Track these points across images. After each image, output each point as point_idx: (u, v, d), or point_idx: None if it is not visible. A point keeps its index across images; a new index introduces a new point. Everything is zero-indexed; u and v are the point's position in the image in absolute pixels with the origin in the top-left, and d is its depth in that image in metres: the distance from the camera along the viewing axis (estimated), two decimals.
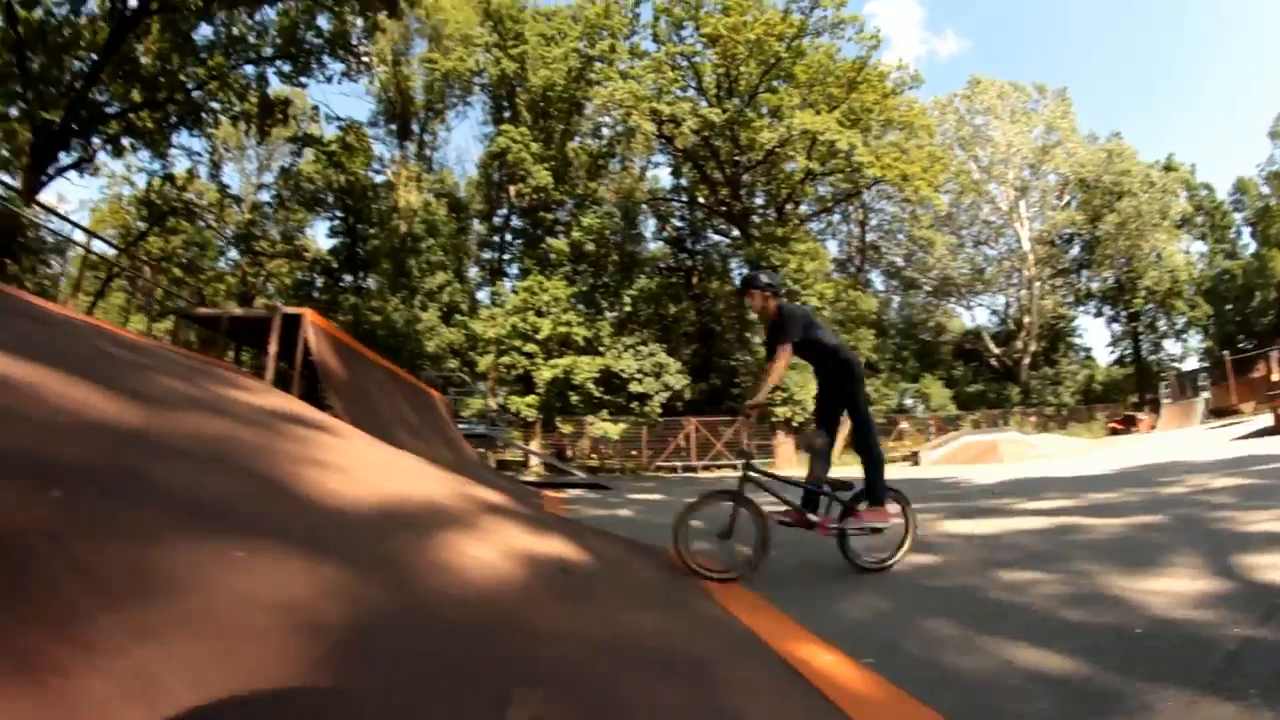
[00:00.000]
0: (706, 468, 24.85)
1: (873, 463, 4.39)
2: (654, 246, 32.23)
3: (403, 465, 4.43)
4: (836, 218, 35.63)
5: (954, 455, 22.78)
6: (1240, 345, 40.09)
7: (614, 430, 24.01)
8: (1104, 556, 4.14)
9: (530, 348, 24.04)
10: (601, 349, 24.03)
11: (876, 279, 39.46)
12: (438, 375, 23.70)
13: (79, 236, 24.83)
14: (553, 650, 2.01)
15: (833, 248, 35.88)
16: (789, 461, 24.85)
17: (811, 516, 4.34)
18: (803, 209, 30.03)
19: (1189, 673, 2.31)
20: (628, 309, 25.67)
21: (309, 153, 29.41)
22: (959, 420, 30.71)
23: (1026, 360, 37.73)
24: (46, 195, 21.55)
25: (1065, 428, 32.51)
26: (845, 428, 4.74)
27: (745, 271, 6.47)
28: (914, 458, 23.02)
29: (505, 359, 24.32)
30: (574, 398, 23.52)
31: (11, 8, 20.04)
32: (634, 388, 23.64)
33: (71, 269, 30.10)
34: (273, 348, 8.82)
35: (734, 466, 24.38)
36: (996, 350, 38.03)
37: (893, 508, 4.39)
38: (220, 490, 2.33)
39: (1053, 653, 2.64)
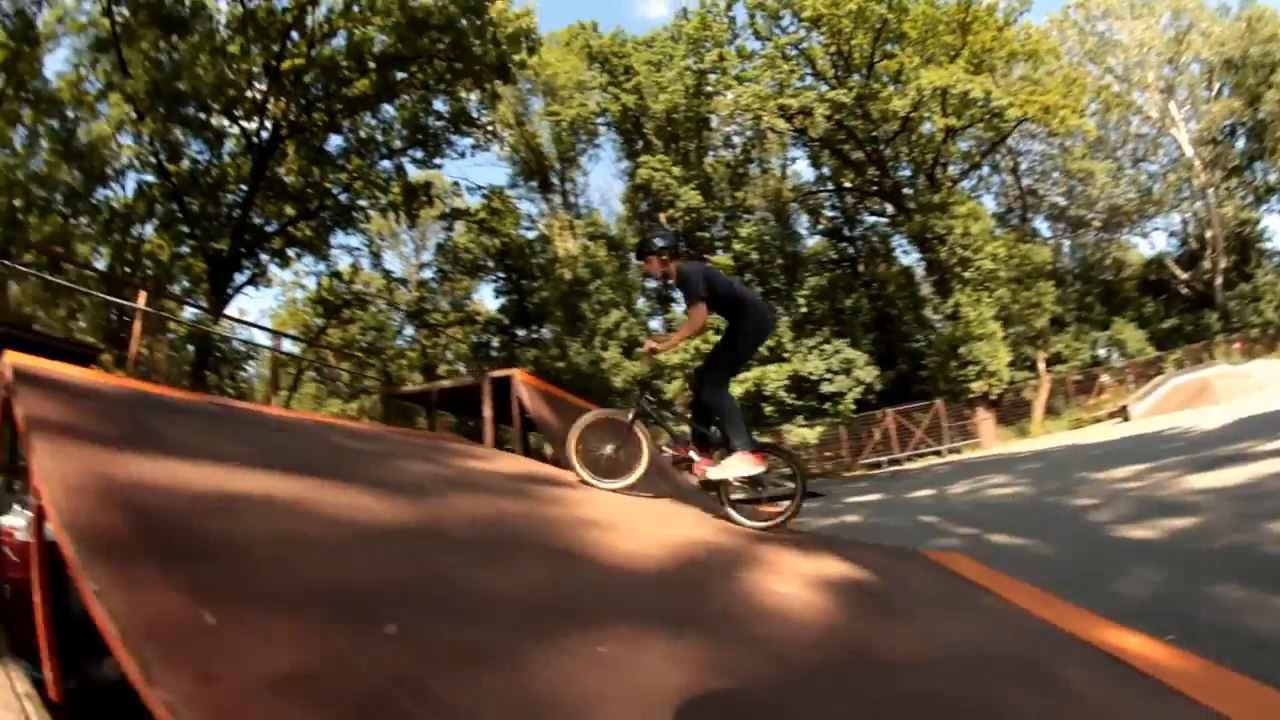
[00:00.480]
0: (910, 459, 24.45)
1: (723, 411, 4.44)
2: (812, 242, 32.09)
3: (650, 508, 4.58)
4: (986, 170, 34.31)
5: (1165, 402, 21.66)
6: None
7: (811, 434, 24.30)
8: None
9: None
10: (785, 355, 24.29)
11: (1041, 225, 37.59)
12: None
13: (266, 339, 27.76)
14: (919, 679, 2.01)
15: (989, 202, 34.55)
16: (992, 439, 24.44)
17: (693, 454, 4.51)
18: (951, 170, 29.17)
19: None
20: (802, 309, 25.82)
21: (460, 225, 31.31)
22: (1160, 362, 29.00)
23: (1219, 280, 34.85)
24: (229, 311, 24.18)
25: (1275, 348, 30.18)
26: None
27: (643, 237, 5.24)
28: (1122, 413, 22.17)
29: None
30: (767, 408, 23.94)
31: (162, 164, 22.52)
32: (825, 388, 23.84)
33: (264, 370, 33.37)
34: (487, 412, 9.00)
35: (937, 454, 24.23)
36: (1184, 276, 35.62)
37: (752, 457, 4.33)
38: (535, 579, 2.33)
39: None
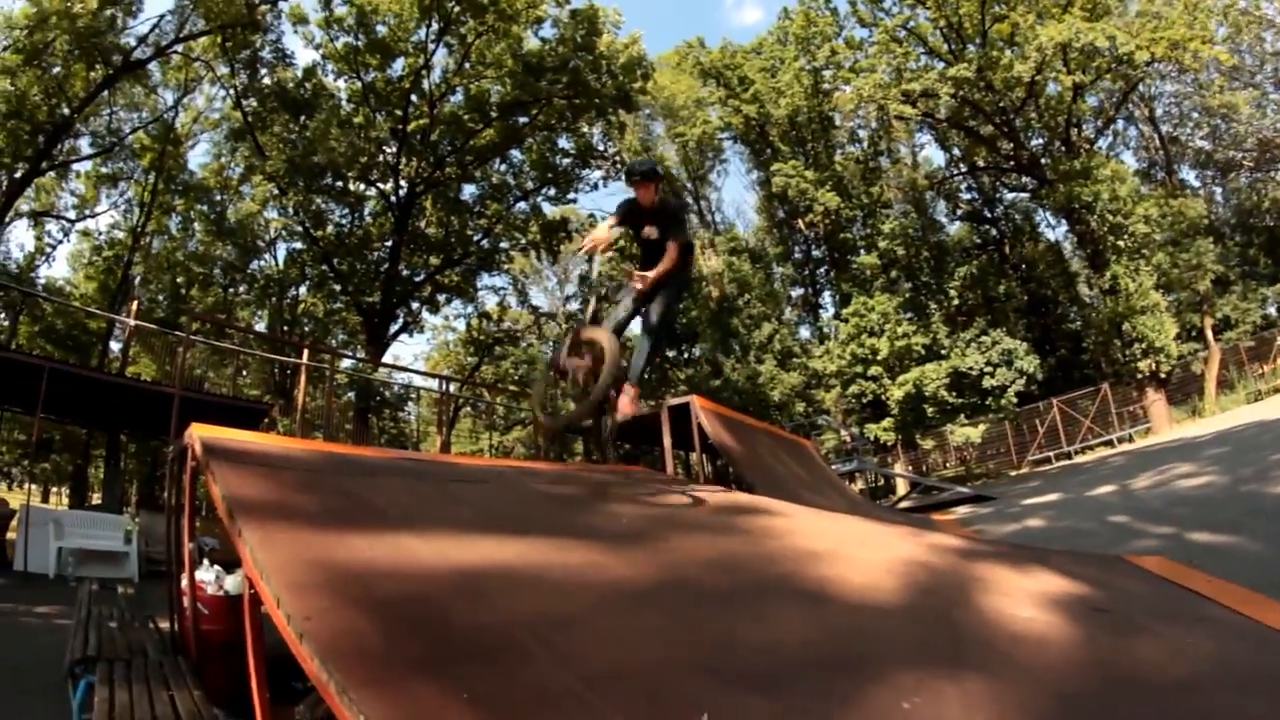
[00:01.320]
0: (1079, 451, 23.26)
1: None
2: (954, 229, 31.52)
3: (855, 529, 4.47)
4: (1121, 124, 32.89)
5: None
6: None
7: (975, 433, 24.12)
8: None
9: (875, 370, 24.97)
10: (943, 352, 24.30)
11: (1188, 175, 35.10)
12: (789, 424, 24.97)
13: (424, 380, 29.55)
14: (1188, 699, 2.02)
15: (1129, 160, 32.90)
16: (1165, 422, 22.71)
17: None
18: (1086, 130, 28.22)
19: None
20: (954, 301, 25.57)
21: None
22: None
23: None
24: (386, 359, 26.29)
25: None
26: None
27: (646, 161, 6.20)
28: None
29: (853, 388, 25.40)
30: (929, 409, 23.96)
31: (309, 231, 24.82)
32: (986, 382, 23.59)
33: (422, 410, 35.68)
34: (667, 441, 8.84)
35: (1108, 444, 22.94)
36: None
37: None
38: (802, 629, 2.33)
39: None
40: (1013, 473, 22.79)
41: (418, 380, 38.12)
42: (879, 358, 24.72)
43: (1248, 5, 32.64)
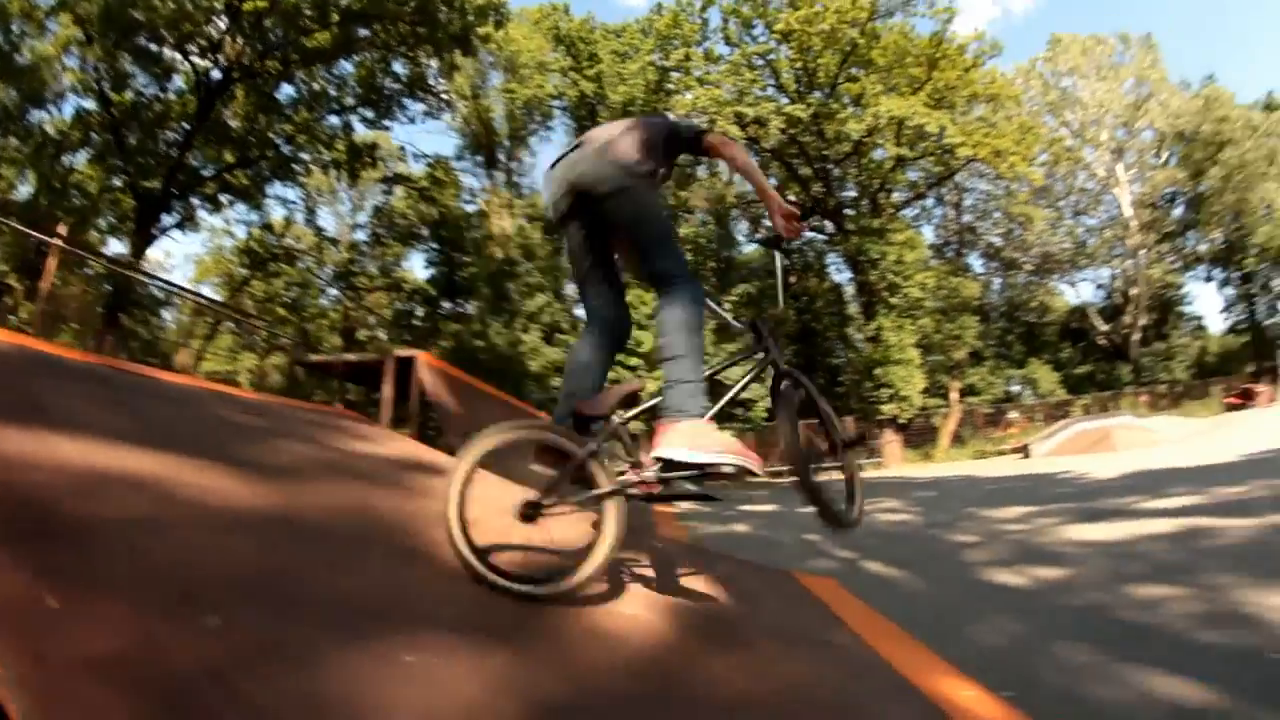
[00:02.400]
0: (815, 472, 24.64)
1: None
2: (749, 250, 32.30)
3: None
4: (930, 202, 34.99)
5: (1066, 446, 22.21)
6: None
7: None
8: (1236, 566, 4.01)
9: (634, 361, 24.45)
10: (707, 360, 24.09)
11: (975, 261, 38.66)
12: (543, 397, 24.35)
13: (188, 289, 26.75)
14: None
15: (928, 233, 35.34)
16: (897, 460, 24.95)
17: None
18: (895, 196, 29.55)
19: None
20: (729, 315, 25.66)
21: (400, 190, 30.72)
22: (1068, 406, 29.91)
23: (1136, 336, 36.43)
24: (153, 253, 23.44)
25: (1179, 405, 31.29)
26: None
27: None
28: (1024, 450, 22.60)
29: (610, 374, 24.71)
30: None
31: (104, 92, 21.70)
32: (740, 395, 23.70)
33: (181, 316, 32.42)
34: (387, 391, 8.88)
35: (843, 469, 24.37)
36: (1104, 327, 36.76)
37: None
38: (372, 579, 2.32)
39: (1190, 682, 2.55)
40: (752, 480, 22.89)
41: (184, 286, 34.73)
42: (641, 350, 24.16)
43: (1074, 145, 35.94)
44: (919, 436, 27.71)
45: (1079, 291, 41.18)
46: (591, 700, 1.83)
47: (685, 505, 12.09)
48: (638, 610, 2.58)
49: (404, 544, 2.78)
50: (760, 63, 27.35)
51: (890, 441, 25.25)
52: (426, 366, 8.30)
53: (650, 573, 3.16)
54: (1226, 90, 37.28)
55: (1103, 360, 37.36)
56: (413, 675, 1.64)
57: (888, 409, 24.50)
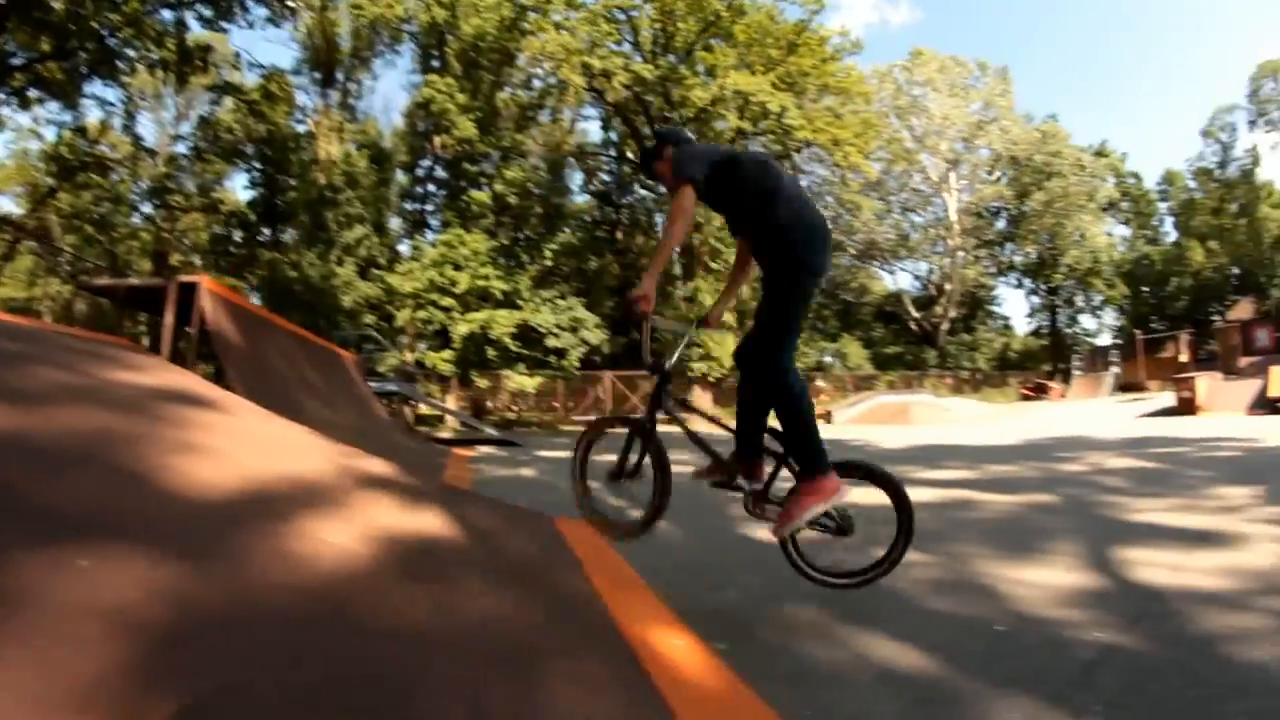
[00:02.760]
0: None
1: (790, 403, 2.80)
2: (581, 200, 32.24)
3: (289, 440, 4.16)
4: None
5: (867, 416, 23.34)
6: (1153, 327, 42.40)
7: (530, 384, 23.94)
8: (987, 539, 4.11)
9: (447, 301, 23.71)
10: (520, 303, 23.76)
11: None
12: (354, 333, 23.30)
13: None
14: (382, 648, 1.87)
15: None
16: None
17: (742, 481, 2.98)
18: None
19: (1041, 680, 2.20)
20: (548, 263, 25.47)
21: (229, 101, 28.46)
22: (874, 380, 31.49)
23: (945, 325, 38.81)
24: None
25: (979, 392, 33.58)
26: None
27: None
28: (827, 416, 23.49)
29: (422, 313, 23.97)
30: (491, 352, 23.27)
31: None
32: (551, 342, 23.46)
33: None
34: (169, 319, 8.32)
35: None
36: (916, 314, 39.06)
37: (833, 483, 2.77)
38: (80, 493, 2.19)
39: (911, 648, 2.52)
40: (559, 426, 23.15)
41: None
42: (456, 290, 23.55)
43: (913, 149, 37.87)
44: (730, 396, 28.31)
45: (897, 279, 44.08)
46: (251, 615, 1.78)
47: (484, 450, 12.61)
48: (345, 539, 2.46)
49: (131, 466, 2.56)
50: (622, 17, 27.13)
51: (701, 398, 25.70)
52: (209, 294, 7.78)
53: (389, 509, 3.03)
54: (1064, 130, 40.47)
55: (912, 344, 39.34)
56: (81, 577, 1.63)
57: (698, 367, 24.94)
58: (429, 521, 3.08)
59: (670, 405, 3.04)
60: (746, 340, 2.75)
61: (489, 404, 24.65)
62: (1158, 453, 9.03)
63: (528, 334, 23.40)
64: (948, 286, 37.94)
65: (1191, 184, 46.69)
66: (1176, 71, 75.56)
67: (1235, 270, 43.93)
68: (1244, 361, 21.63)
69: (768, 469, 2.93)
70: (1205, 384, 17.62)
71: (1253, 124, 42.39)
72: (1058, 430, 14.67)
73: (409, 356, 25.11)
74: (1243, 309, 40.84)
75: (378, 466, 3.87)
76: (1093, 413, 20.55)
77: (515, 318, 23.17)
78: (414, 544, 2.73)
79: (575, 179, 31.34)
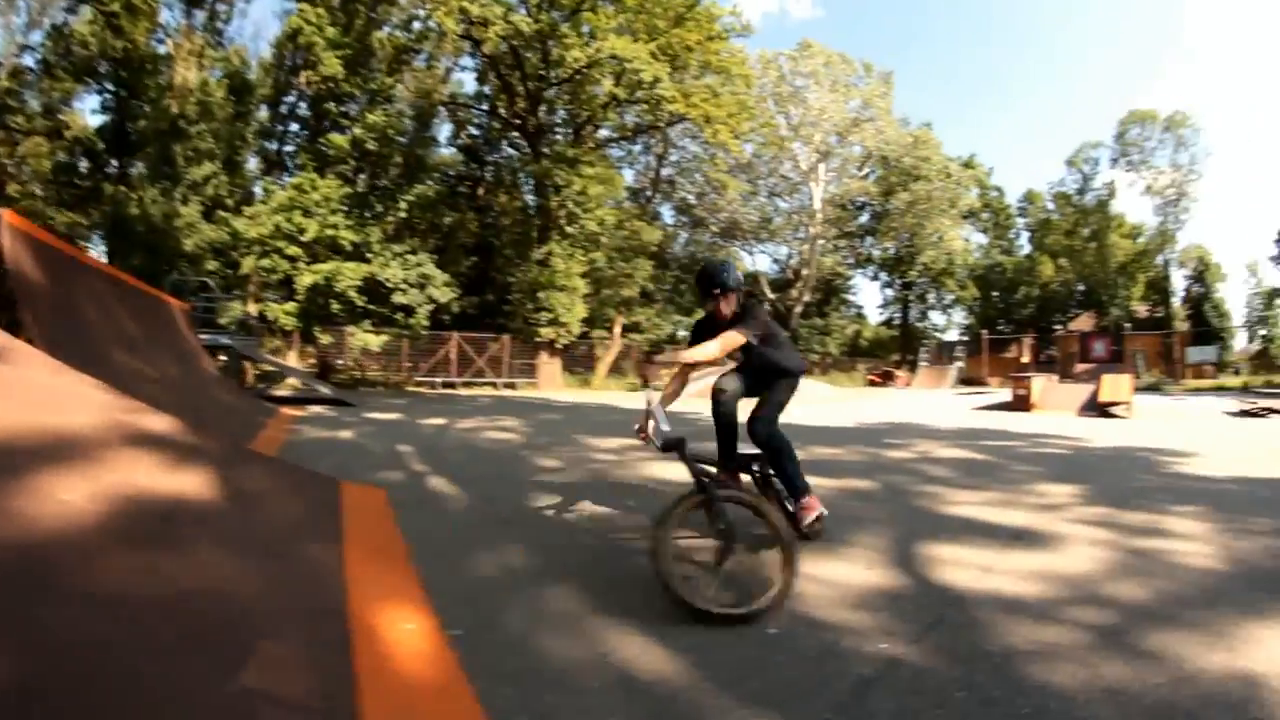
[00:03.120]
0: (467, 385, 24.79)
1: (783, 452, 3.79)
2: (448, 154, 31.60)
3: (63, 392, 3.91)
4: (638, 148, 36.33)
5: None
6: (999, 329, 46.03)
7: (375, 341, 23.21)
8: None
9: (293, 250, 22.53)
10: (370, 256, 22.95)
11: (668, 214, 40.75)
12: (196, 279, 22.34)
13: None
14: (73, 610, 1.83)
15: (630, 176, 36.72)
16: (553, 384, 25.57)
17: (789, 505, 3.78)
18: (602, 133, 30.10)
19: (802, 698, 2.02)
20: (402, 214, 24.81)
21: (87, 12, 26.45)
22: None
23: (799, 309, 40.35)
24: None
25: (828, 375, 35.49)
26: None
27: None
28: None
29: (266, 262, 22.91)
30: (335, 306, 22.43)
31: None
32: (398, 298, 22.84)
33: None
34: None
35: (493, 385, 24.87)
36: (771, 295, 40.40)
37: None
38: None
39: (665, 649, 2.31)
40: (406, 388, 23.31)
41: None
42: (303, 238, 22.70)
43: (787, 136, 39.09)
44: (582, 363, 28.89)
45: (756, 260, 45.53)
46: None
47: (317, 409, 12.75)
48: (80, 498, 2.40)
49: None
50: None
51: (548, 364, 25.82)
52: (10, 229, 7.11)
53: (148, 469, 3.01)
54: (937, 139, 42.55)
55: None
56: None
57: (546, 332, 25.00)
58: (188, 484, 3.09)
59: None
60: (761, 410, 3.76)
61: (338, 362, 24.12)
62: (988, 445, 9.08)
63: (375, 289, 22.88)
64: (805, 272, 39.38)
65: (1050, 205, 50.86)
66: (1048, 101, 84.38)
67: (1081, 287, 48.32)
68: (1080, 368, 23.18)
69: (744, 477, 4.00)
70: (1040, 383, 18.10)
71: (1114, 161, 47.08)
72: (894, 416, 14.81)
73: (253, 308, 24.27)
74: (1083, 321, 45.40)
75: (160, 424, 3.83)
76: (932, 402, 21.48)
77: (363, 271, 22.38)
78: (156, 507, 2.73)
79: (446, 131, 30.75)
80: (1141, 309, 47.07)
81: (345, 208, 23.43)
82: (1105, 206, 47.62)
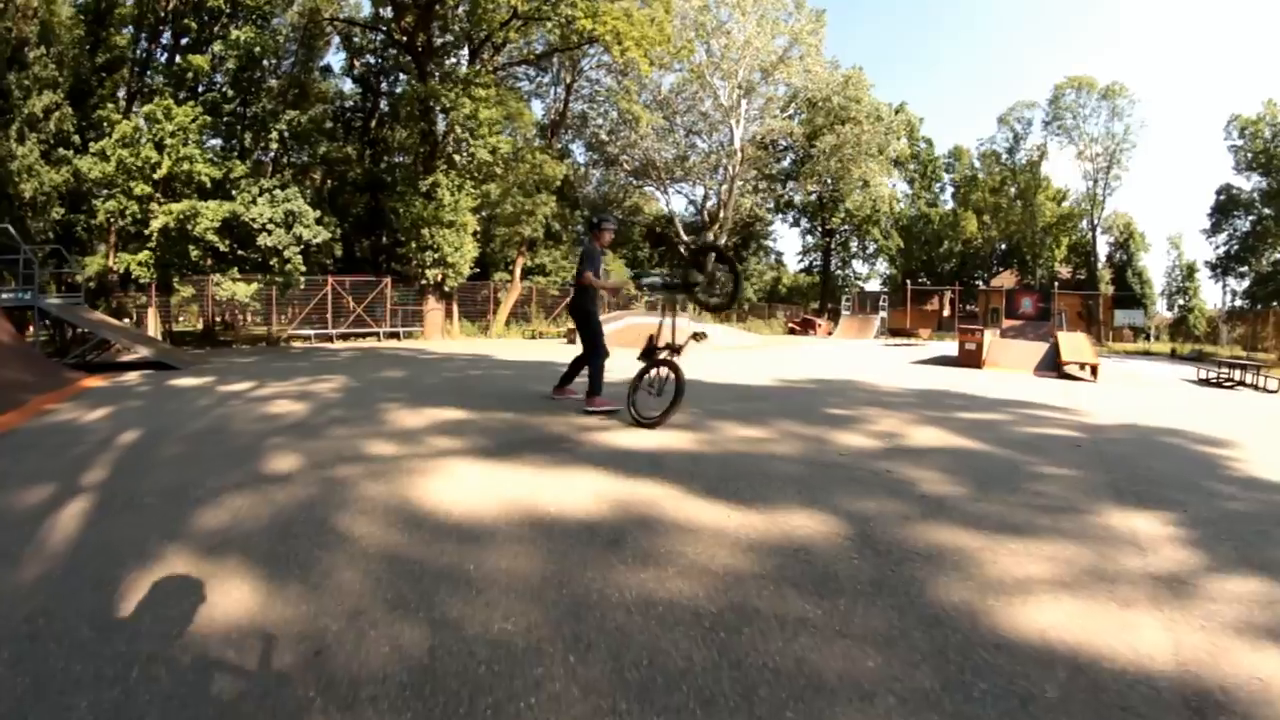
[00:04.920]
0: (345, 336, 22.55)
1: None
2: (346, 87, 29.29)
3: None
4: (548, 78, 34.09)
5: (616, 336, 22.72)
6: (921, 280, 45.88)
7: (244, 291, 20.49)
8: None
9: (143, 189, 19.73)
10: (235, 193, 20.25)
11: (580, 154, 38.71)
12: (38, 231, 19.65)
13: None
14: None
15: (539, 110, 34.70)
16: (440, 331, 23.72)
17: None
18: (501, 58, 27.66)
19: None
20: (274, 145, 22.21)
21: None
22: (635, 301, 31.28)
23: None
24: None
25: (745, 321, 34.50)
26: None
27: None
28: (570, 336, 22.97)
29: (111, 204, 19.81)
30: (194, 251, 19.91)
31: None
32: (263, 240, 20.18)
33: None
34: None
35: (376, 335, 23.02)
36: (686, 238, 38.37)
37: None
38: None
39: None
40: (284, 343, 21.33)
41: None
42: (155, 176, 20.05)
43: (708, 71, 37.02)
44: (480, 309, 27.10)
45: (670, 201, 43.95)
46: None
47: (130, 376, 11.10)
48: None
49: None
50: None
51: (434, 310, 23.61)
52: None
53: None
54: (868, 80, 41.17)
55: (678, 267, 39.01)
56: None
57: (432, 273, 22.76)
58: None
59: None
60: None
61: (217, 320, 21.71)
62: (966, 420, 7.06)
63: (243, 231, 20.38)
64: (722, 214, 37.85)
65: (977, 163, 51.08)
66: (983, 61, 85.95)
67: (1004, 246, 49.43)
68: (1006, 323, 22.31)
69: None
70: (989, 338, 16.75)
71: (1047, 124, 47.80)
72: (825, 371, 13.01)
73: (111, 260, 21.59)
74: (1004, 278, 46.38)
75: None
76: (863, 355, 19.97)
77: (224, 210, 19.79)
78: None
79: (338, 60, 27.96)
80: (1064, 270, 47.99)
81: (205, 138, 20.87)
82: (1035, 167, 47.98)
